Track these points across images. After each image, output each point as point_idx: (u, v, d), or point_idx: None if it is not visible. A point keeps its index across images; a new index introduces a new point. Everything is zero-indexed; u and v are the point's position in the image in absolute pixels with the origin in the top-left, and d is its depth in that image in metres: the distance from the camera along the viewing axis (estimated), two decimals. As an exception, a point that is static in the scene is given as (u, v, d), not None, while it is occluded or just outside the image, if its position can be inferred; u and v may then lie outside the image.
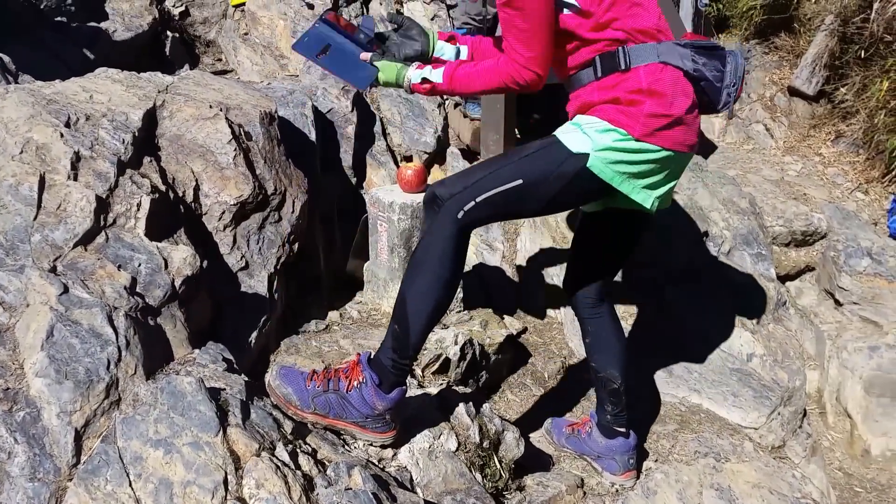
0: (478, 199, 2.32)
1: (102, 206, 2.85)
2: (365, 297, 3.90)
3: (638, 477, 3.18)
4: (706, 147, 7.35)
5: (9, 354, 2.19)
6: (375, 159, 4.83)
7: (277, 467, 2.05)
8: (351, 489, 2.09)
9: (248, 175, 3.45)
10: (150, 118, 3.38)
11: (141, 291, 2.60)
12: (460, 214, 2.33)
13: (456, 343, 3.39)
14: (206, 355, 2.49)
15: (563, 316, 4.35)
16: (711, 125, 7.59)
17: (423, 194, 3.60)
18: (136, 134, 3.19)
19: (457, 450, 2.72)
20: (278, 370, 2.42)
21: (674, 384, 3.96)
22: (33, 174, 2.85)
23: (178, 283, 2.72)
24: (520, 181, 2.32)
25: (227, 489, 1.96)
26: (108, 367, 2.20)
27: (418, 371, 3.23)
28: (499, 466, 2.85)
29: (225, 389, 2.28)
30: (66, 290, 2.37)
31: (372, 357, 2.49)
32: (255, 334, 3.10)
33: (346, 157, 4.61)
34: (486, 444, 2.85)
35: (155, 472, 1.94)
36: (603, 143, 2.25)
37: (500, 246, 4.79)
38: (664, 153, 2.24)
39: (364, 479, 2.15)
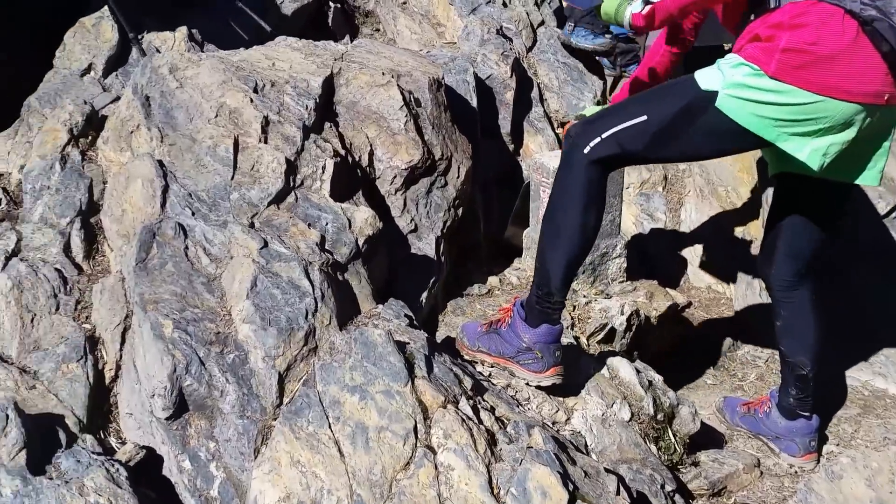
0: (603, 135, 2.25)
1: (291, 168, 3.04)
2: (524, 263, 3.91)
3: (818, 460, 3.00)
4: None
5: (217, 302, 2.41)
6: (533, 126, 4.80)
7: (463, 420, 2.11)
8: (532, 448, 2.12)
9: (418, 140, 3.54)
10: (329, 85, 3.54)
11: (329, 249, 2.75)
12: (587, 150, 2.28)
13: (622, 313, 3.33)
14: (389, 310, 2.60)
15: (733, 292, 4.15)
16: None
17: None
18: (318, 100, 3.36)
19: (630, 420, 2.68)
20: (462, 324, 2.56)
21: (856, 367, 3.69)
22: (228, 137, 3.09)
23: (361, 241, 2.85)
24: (644, 117, 2.19)
25: (416, 437, 2.06)
26: (306, 317, 2.35)
27: (583, 339, 3.21)
28: (673, 440, 2.79)
29: (409, 343, 2.38)
30: (265, 244, 2.56)
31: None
32: (425, 294, 3.21)
33: (505, 124, 4.61)
34: (660, 416, 2.79)
35: (352, 417, 2.07)
36: (733, 79, 2.06)
37: (662, 216, 4.63)
38: (812, 98, 1.96)
39: (545, 439, 2.18)
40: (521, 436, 2.21)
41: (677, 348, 3.80)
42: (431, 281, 3.27)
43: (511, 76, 4.78)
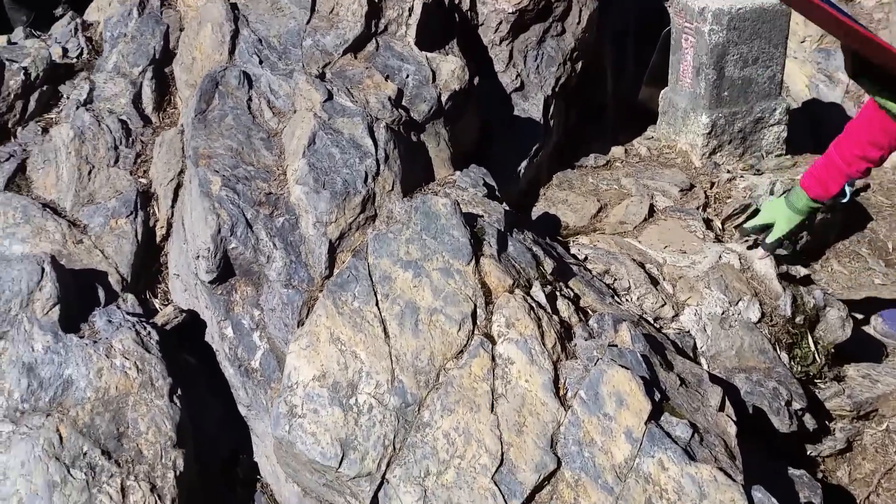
0: None
1: (374, 10, 2.75)
2: (658, 130, 3.43)
3: None
4: None
5: (274, 160, 2.25)
6: (687, -37, 4.09)
7: (532, 308, 1.85)
8: (616, 346, 1.83)
9: (531, -22, 3.08)
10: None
11: (406, 105, 2.49)
12: None
13: (772, 193, 2.82)
14: (466, 178, 2.33)
15: (929, 171, 3.43)
16: None
17: (746, -1, 2.92)
18: (411, -70, 2.98)
19: (759, 321, 2.29)
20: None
21: None
22: (309, -24, 2.83)
23: (444, 97, 2.56)
24: None
25: (475, 323, 1.83)
26: (365, 181, 2.14)
27: (717, 222, 2.77)
28: (813, 348, 2.37)
29: (483, 217, 2.11)
30: (329, 96, 2.34)
31: None
32: (524, 163, 2.88)
33: (651, -39, 3.96)
34: (798, 319, 2.36)
35: (402, 295, 1.87)
36: None
37: (843, 77, 3.86)
38: None
39: (634, 338, 1.87)
40: (606, 331, 1.91)
41: (841, 238, 3.22)
42: (534, 148, 2.93)
43: None
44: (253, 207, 2.08)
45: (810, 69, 3.89)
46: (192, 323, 2.07)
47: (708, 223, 2.75)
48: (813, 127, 3.78)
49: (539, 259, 2.07)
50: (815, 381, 2.35)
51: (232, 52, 2.63)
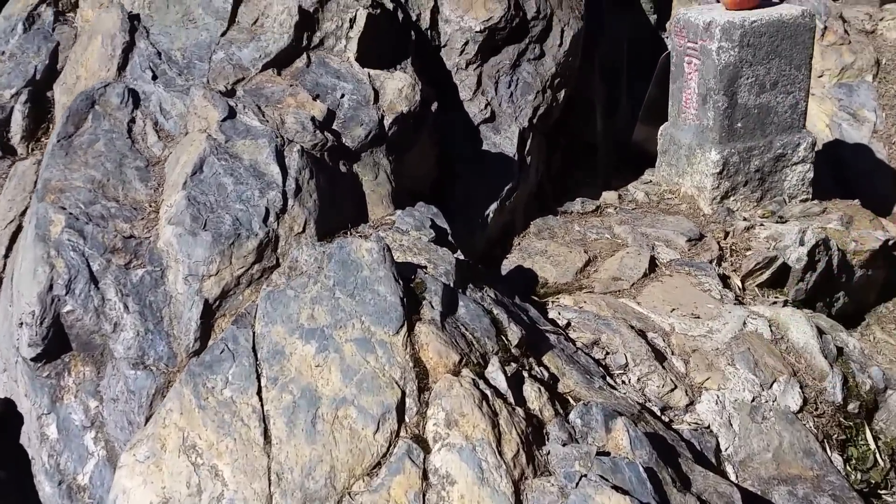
0: None
1: (307, 20, 2.27)
2: (658, 173, 2.92)
3: None
4: None
5: (149, 194, 1.72)
6: (686, -9, 3.69)
7: (485, 397, 1.28)
8: (608, 455, 1.25)
9: (501, -9, 2.63)
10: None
11: (337, 128, 1.98)
12: None
13: (802, 243, 2.28)
14: (408, 219, 1.79)
15: (982, 221, 2.91)
16: None
17: (759, 11, 2.46)
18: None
19: (801, 410, 1.71)
20: None
21: None
22: (231, -17, 2.36)
23: (388, 121, 2.05)
24: None
25: (401, 420, 1.26)
26: (265, 219, 1.60)
27: (736, 280, 2.22)
28: (873, 446, 1.79)
29: (426, 268, 1.57)
30: (231, 114, 1.82)
31: None
32: (494, 207, 2.35)
33: (644, -13, 3.55)
34: (851, 406, 1.79)
35: (298, 379, 1.30)
36: None
37: (870, 115, 3.40)
38: None
39: (633, 441, 1.30)
40: (594, 430, 1.34)
41: (884, 300, 2.68)
42: (507, 188, 2.40)
43: (656, -78, 3.66)
44: (103, 256, 1.53)
45: (831, 106, 3.43)
46: (8, 416, 1.49)
47: (725, 280, 2.21)
48: (835, 171, 3.29)
49: (501, 325, 1.51)
50: (880, 491, 1.76)
51: (123, 67, 2.13)
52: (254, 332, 1.39)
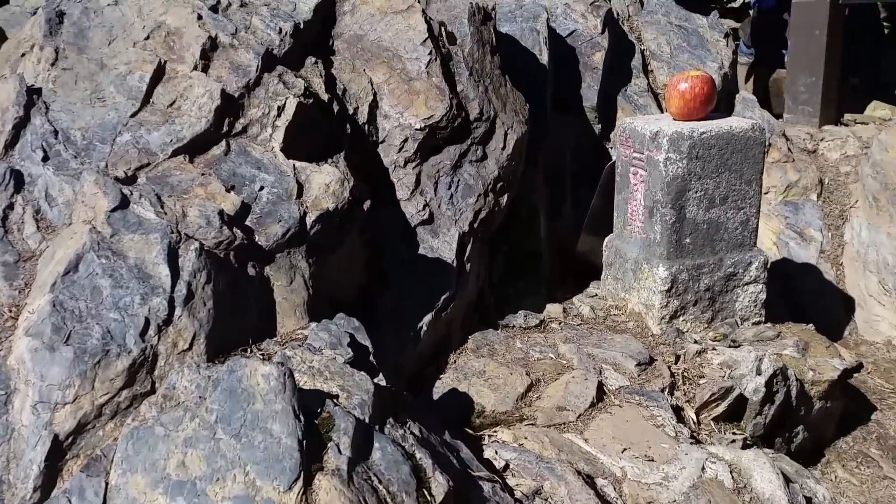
0: None
1: (231, 105, 2.08)
2: (603, 286, 2.75)
3: None
4: None
5: (12, 295, 1.42)
6: (631, 102, 3.66)
7: (397, 582, 1.00)
8: None
9: (445, 89, 2.49)
10: (327, 10, 2.58)
11: (252, 225, 1.74)
12: None
13: (759, 373, 2.10)
14: (323, 334, 1.54)
15: (934, 350, 2.82)
16: None
17: (708, 123, 2.37)
18: (301, 26, 2.39)
19: (772, 578, 1.47)
20: None
21: None
22: (151, 62, 2.16)
23: (311, 219, 1.82)
24: None
25: None
26: (143, 333, 1.33)
27: (690, 413, 2.01)
28: None
29: (336, 397, 1.30)
30: (123, 204, 1.57)
31: None
32: (428, 319, 2.11)
33: (590, 95, 3.50)
34: (828, 571, 1.56)
35: (154, 550, 1.00)
36: None
37: (816, 234, 3.34)
38: None
39: None
40: None
41: (843, 434, 2.51)
42: (444, 298, 2.18)
43: (602, 32, 3.67)
44: (-72, 374, 1.22)
45: (778, 224, 3.37)
46: None
47: (678, 412, 1.99)
48: (785, 291, 3.19)
49: (424, 475, 1.24)
50: None
51: (11, 145, 1.87)
52: (107, 484, 1.09)
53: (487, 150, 2.57)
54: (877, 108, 3.99)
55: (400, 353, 1.87)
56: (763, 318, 2.59)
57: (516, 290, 2.81)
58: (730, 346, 2.39)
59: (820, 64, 3.82)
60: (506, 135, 2.61)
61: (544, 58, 3.24)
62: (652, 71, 3.85)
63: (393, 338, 1.86)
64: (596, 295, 2.81)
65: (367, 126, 2.45)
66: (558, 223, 3.13)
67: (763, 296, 2.55)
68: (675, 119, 2.44)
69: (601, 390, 1.95)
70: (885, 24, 5.16)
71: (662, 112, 3.64)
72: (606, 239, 2.76)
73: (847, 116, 3.93)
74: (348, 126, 2.33)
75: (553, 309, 2.65)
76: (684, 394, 2.10)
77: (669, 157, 2.33)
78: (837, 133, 3.69)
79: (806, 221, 3.37)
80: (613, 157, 2.72)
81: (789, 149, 3.57)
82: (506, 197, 2.59)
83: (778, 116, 3.95)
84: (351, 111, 2.42)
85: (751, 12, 4.70)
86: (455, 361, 2.08)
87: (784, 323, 2.64)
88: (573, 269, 3.05)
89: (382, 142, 2.44)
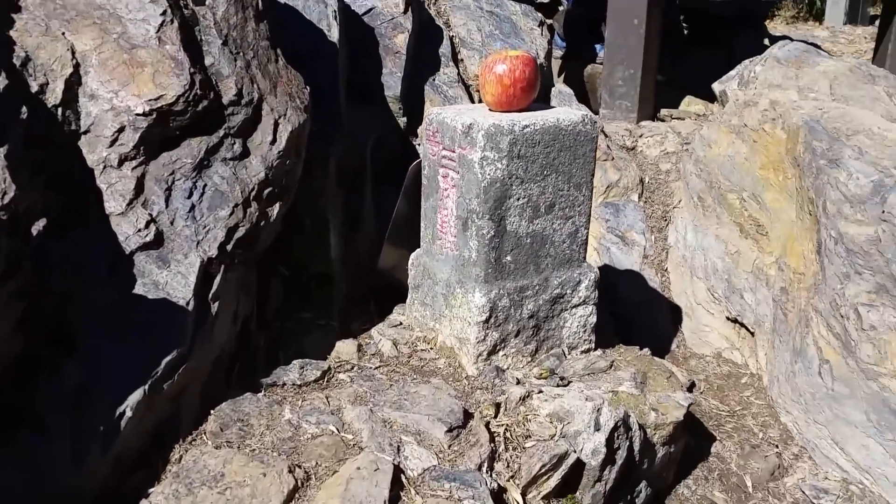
0: None
1: None
2: (409, 313, 2.21)
3: None
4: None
5: None
6: (440, 92, 3.15)
7: None
8: None
9: (184, 61, 1.81)
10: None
11: None
12: None
13: (598, 427, 1.64)
14: None
15: (762, 363, 2.54)
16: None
17: (531, 114, 1.89)
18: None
19: None
20: None
21: None
22: None
23: None
24: None
25: None
26: None
27: (515, 495, 1.50)
28: None
29: None
30: None
31: None
32: (136, 397, 1.41)
33: (392, 83, 2.94)
34: None
35: None
36: None
37: (638, 238, 3.03)
38: None
39: None
40: None
41: (684, 476, 2.15)
42: (166, 361, 1.50)
43: (405, 11, 3.13)
44: None
45: (598, 228, 3.02)
46: None
47: (500, 496, 1.47)
48: (610, 302, 2.82)
49: None
50: None
51: None
52: None
53: (250, 144, 1.92)
54: (691, 104, 3.80)
55: (78, 464, 1.18)
56: (593, 345, 2.17)
57: (300, 323, 2.19)
58: (558, 385, 1.93)
59: (639, 56, 3.54)
60: (276, 124, 1.97)
61: (334, 35, 2.63)
62: (462, 60, 3.37)
63: (67, 442, 1.17)
64: (401, 324, 2.26)
65: (62, 109, 1.70)
66: (356, 236, 2.54)
67: (593, 319, 2.13)
68: (491, 110, 1.93)
69: (397, 482, 1.38)
70: (683, 25, 5.13)
71: (478, 102, 3.18)
72: (413, 255, 2.22)
73: (663, 111, 3.71)
74: (25, 108, 1.58)
75: (344, 349, 2.06)
76: (507, 465, 1.59)
77: (486, 157, 1.81)
78: (656, 129, 3.43)
79: (628, 224, 3.04)
80: (421, 154, 2.17)
81: (608, 146, 3.24)
82: (278, 206, 1.95)
83: (595, 113, 3.65)
84: (35, 88, 1.67)
85: (564, 2, 4.39)
86: (180, 459, 1.41)
87: (615, 347, 2.24)
88: (376, 290, 2.49)
89: (86, 132, 1.71)
